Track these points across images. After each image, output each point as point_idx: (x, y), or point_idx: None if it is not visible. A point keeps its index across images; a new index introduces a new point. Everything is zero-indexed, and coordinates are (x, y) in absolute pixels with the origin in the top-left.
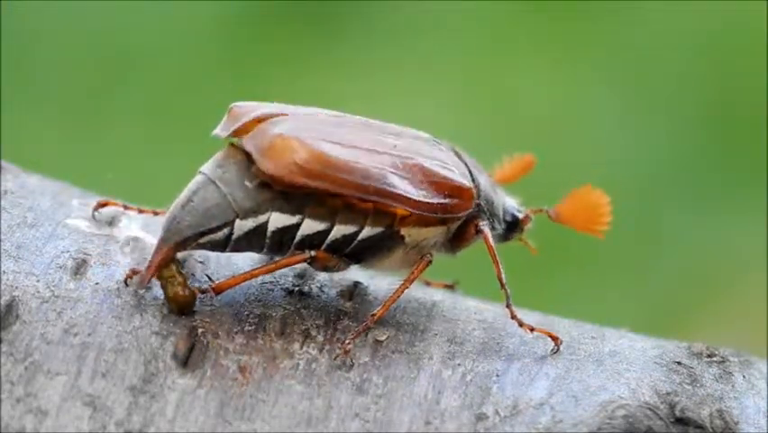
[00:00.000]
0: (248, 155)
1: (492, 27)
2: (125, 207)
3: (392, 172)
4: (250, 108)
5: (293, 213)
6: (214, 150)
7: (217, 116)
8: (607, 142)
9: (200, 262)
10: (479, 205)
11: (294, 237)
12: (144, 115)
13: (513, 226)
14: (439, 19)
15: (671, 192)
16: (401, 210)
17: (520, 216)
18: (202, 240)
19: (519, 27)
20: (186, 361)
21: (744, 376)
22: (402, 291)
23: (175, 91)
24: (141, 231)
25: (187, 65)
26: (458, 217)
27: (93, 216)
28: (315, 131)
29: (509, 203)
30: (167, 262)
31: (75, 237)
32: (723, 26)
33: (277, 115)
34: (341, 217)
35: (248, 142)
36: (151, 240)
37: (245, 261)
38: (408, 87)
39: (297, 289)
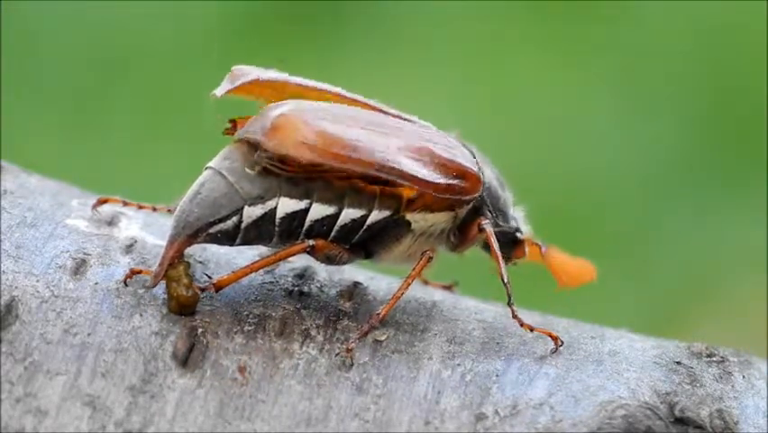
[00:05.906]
0: (252, 144)
1: (492, 27)
2: (125, 203)
3: (398, 151)
4: (249, 71)
5: (301, 198)
6: (213, 149)
7: (216, 116)
8: (606, 141)
9: (200, 263)
10: (483, 194)
11: (303, 224)
12: (143, 114)
13: (512, 237)
14: (438, 19)
15: (670, 192)
16: (408, 192)
17: (520, 236)
18: (212, 230)
19: (519, 27)
20: (185, 361)
21: (743, 376)
22: (406, 288)
23: (174, 91)
24: (141, 231)
25: (186, 65)
26: (465, 201)
27: (93, 214)
28: (319, 111)
29: (518, 212)
30: (175, 263)
31: (74, 237)
32: (722, 25)
33: (275, 81)
34: (349, 201)
35: (252, 125)
36: (151, 240)
37: (246, 261)
38: (407, 87)
39: (296, 289)
